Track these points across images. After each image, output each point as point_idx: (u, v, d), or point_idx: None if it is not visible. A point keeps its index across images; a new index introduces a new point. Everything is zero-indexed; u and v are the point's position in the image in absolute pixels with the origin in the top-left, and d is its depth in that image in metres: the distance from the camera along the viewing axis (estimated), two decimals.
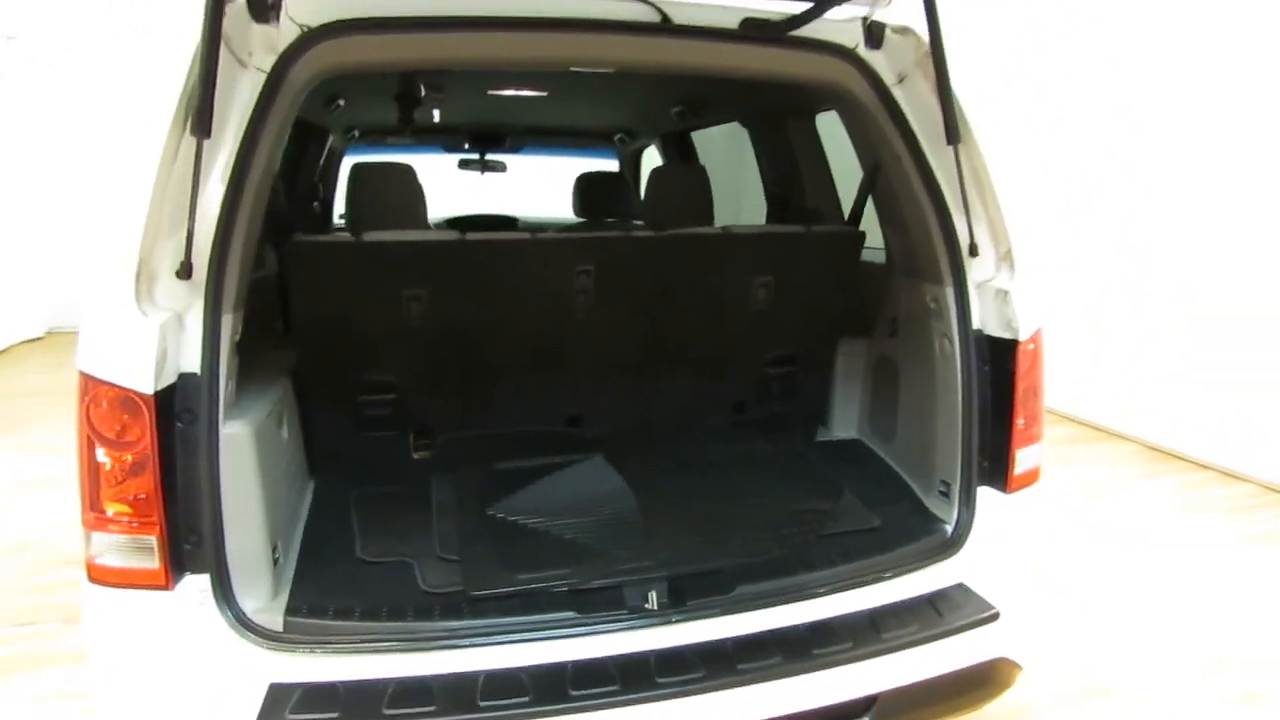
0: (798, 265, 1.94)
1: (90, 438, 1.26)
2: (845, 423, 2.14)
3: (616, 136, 3.94)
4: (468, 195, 4.05)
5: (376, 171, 2.08)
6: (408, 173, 2.03)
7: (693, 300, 1.92)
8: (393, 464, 1.86)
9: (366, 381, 1.78)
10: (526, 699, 1.24)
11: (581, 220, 3.11)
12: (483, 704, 1.23)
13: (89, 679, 1.38)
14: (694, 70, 1.74)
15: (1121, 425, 4.58)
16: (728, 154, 3.68)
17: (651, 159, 4.01)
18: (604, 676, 1.29)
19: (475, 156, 4.00)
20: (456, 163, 4.00)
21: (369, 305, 1.70)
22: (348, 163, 3.23)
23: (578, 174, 3.15)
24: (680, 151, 3.58)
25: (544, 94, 2.86)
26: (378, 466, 1.82)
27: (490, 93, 2.69)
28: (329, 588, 1.41)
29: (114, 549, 1.28)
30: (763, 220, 2.75)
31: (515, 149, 3.96)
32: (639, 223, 3.40)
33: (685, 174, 2.09)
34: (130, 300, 1.23)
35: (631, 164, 4.11)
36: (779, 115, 2.45)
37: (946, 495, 1.70)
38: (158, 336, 1.21)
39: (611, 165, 4.14)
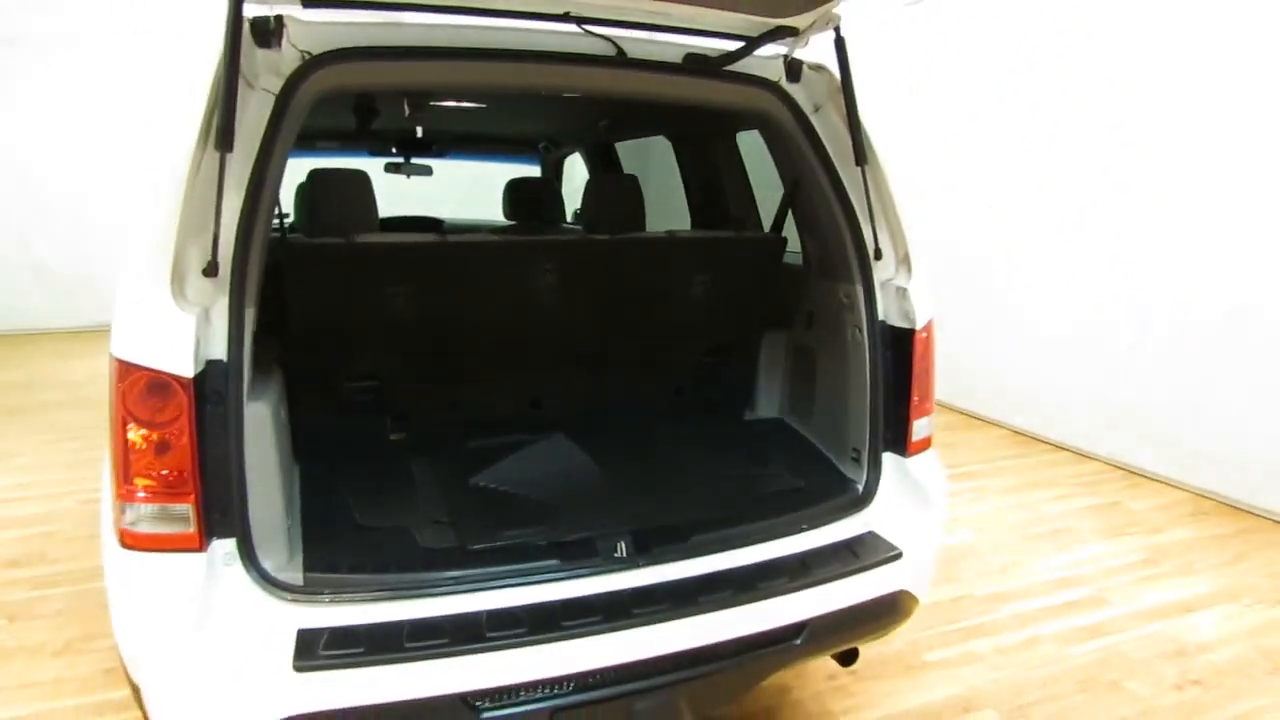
0: (730, 267, 2.23)
1: (126, 418, 1.41)
2: (769, 405, 2.44)
3: (541, 145, 4.15)
4: (394, 197, 4.18)
5: (336, 178, 2.24)
6: (364, 179, 2.20)
7: (639, 297, 2.18)
8: (372, 445, 2.03)
9: (350, 370, 1.95)
10: (524, 629, 1.47)
11: (511, 223, 3.31)
12: (489, 635, 1.45)
13: (121, 636, 1.53)
14: (643, 97, 2.01)
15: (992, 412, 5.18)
16: (638, 164, 3.95)
17: (573, 166, 4.25)
18: (587, 610, 1.54)
19: (401, 160, 4.13)
20: (383, 166, 4.12)
21: (356, 301, 1.88)
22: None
23: (508, 179, 3.35)
24: (605, 160, 3.83)
25: (479, 104, 3.05)
26: (358, 448, 1.99)
27: (432, 103, 2.86)
28: (338, 549, 1.59)
29: (150, 517, 1.43)
30: (680, 225, 3.03)
31: (441, 154, 4.12)
32: (575, 226, 3.63)
33: (621, 182, 2.34)
34: (168, 296, 1.39)
35: (554, 171, 4.33)
36: (704, 132, 2.74)
37: (857, 460, 2.02)
38: (195, 327, 1.37)
39: (533, 171, 4.35)
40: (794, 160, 2.02)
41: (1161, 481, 4.21)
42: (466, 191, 5.48)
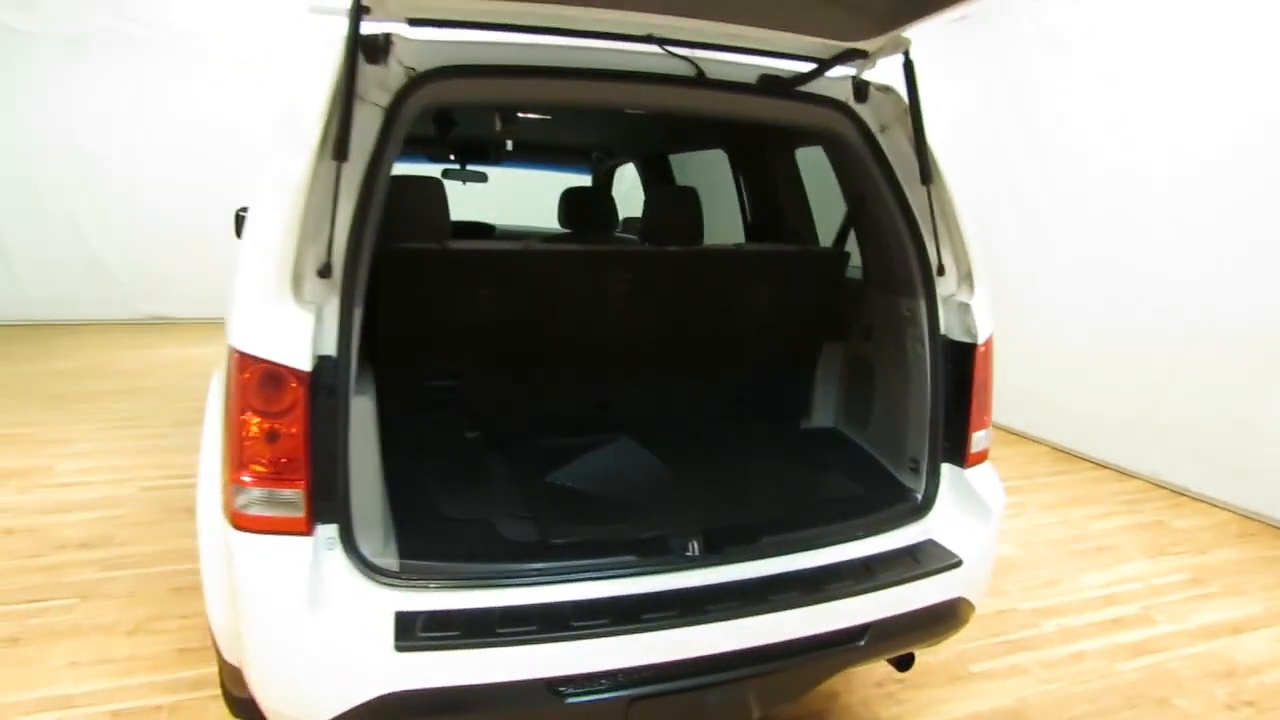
0: (794, 280, 2.30)
1: (244, 407, 1.50)
2: (824, 414, 2.50)
3: (593, 154, 4.25)
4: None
5: (415, 184, 2.34)
6: (439, 186, 2.30)
7: (706, 307, 2.25)
8: (449, 442, 2.12)
9: (432, 370, 2.04)
10: (606, 620, 1.55)
11: (565, 231, 3.41)
12: (573, 624, 1.53)
13: (220, 614, 1.62)
14: (719, 115, 2.08)
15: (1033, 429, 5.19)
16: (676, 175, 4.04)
17: (623, 176, 4.34)
18: (664, 604, 1.61)
19: (458, 167, 4.25)
20: (440, 172, 4.24)
21: (444, 304, 1.97)
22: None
23: (564, 188, 3.45)
24: (659, 172, 3.92)
25: (545, 116, 3.15)
26: (436, 444, 2.08)
27: (511, 116, 2.96)
28: (428, 539, 1.67)
29: (261, 501, 1.52)
30: (722, 236, 3.11)
31: (497, 162, 4.23)
32: (626, 235, 3.72)
33: (683, 195, 2.42)
34: (289, 295, 1.48)
35: (604, 180, 4.42)
36: (764, 148, 2.81)
37: (915, 470, 2.07)
38: (312, 324, 1.47)
39: (583, 180, 4.45)
40: (860, 178, 2.09)
41: (1206, 501, 4.20)
42: (507, 197, 5.62)
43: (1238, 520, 4.03)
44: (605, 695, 1.55)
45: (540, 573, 1.62)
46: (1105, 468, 4.73)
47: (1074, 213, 4.84)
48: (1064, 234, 4.92)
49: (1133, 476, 4.57)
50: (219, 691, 2.37)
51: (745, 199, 3.02)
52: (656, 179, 3.92)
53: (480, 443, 2.14)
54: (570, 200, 3.36)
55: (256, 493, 1.52)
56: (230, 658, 1.80)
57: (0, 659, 2.53)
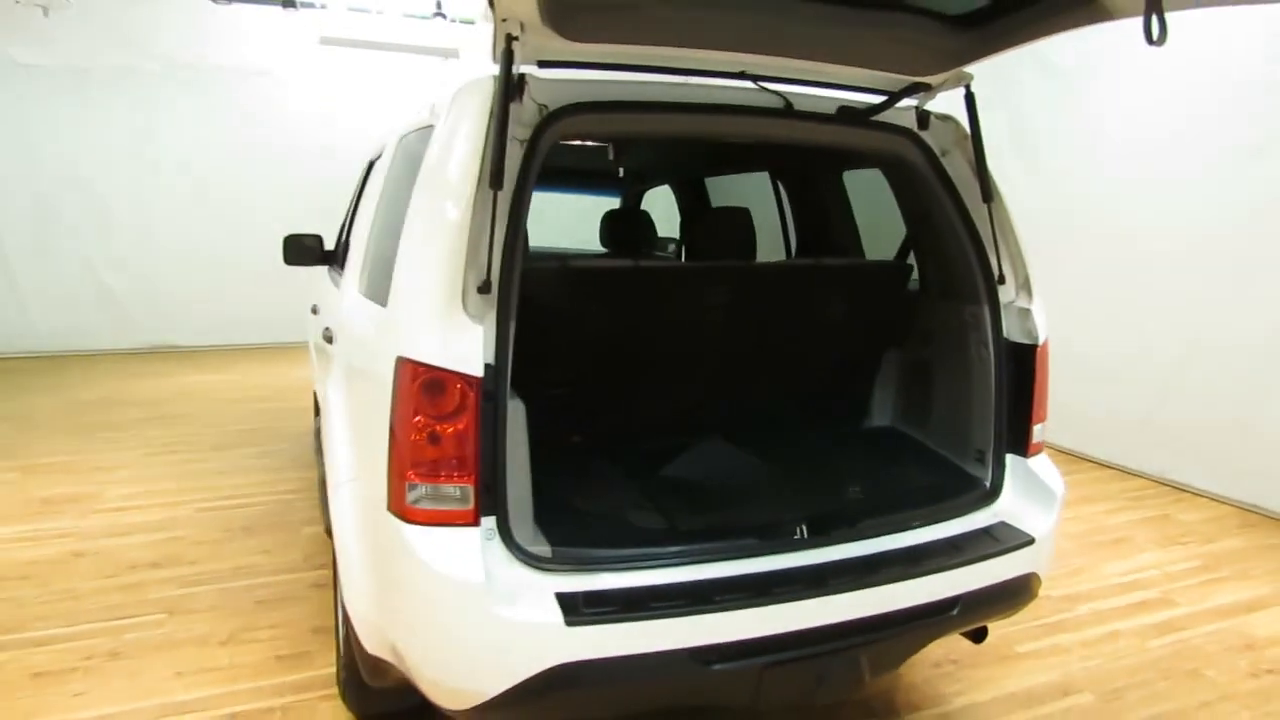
0: (864, 291, 2.52)
1: (418, 410, 1.68)
2: (881, 414, 2.72)
3: (626, 178, 4.47)
4: None
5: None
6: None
7: (786, 317, 2.46)
8: (557, 445, 2.29)
9: (546, 377, 2.22)
10: (742, 595, 1.73)
11: (605, 250, 3.61)
12: (714, 599, 1.71)
13: (371, 603, 1.77)
14: (803, 143, 2.30)
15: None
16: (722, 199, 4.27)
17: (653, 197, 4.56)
18: (789, 580, 1.80)
19: None
20: None
21: (561, 317, 2.15)
22: None
23: (604, 210, 3.66)
24: (695, 194, 4.14)
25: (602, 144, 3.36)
26: (545, 447, 2.25)
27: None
28: (569, 529, 1.84)
29: (433, 496, 1.69)
30: (774, 255, 3.33)
31: (540, 187, 4.42)
32: (663, 254, 3.92)
33: (737, 215, 2.63)
34: (460, 309, 1.66)
35: (635, 202, 4.64)
36: (813, 171, 3.05)
37: (981, 460, 2.29)
38: (483, 335, 1.65)
39: (612, 203, 4.67)
40: (925, 197, 2.31)
41: (1206, 497, 4.48)
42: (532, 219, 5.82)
43: (1237, 513, 4.30)
44: (743, 662, 1.73)
45: (676, 555, 1.80)
46: (1109, 467, 5.00)
47: (1075, 222, 5.13)
48: (1066, 246, 5.20)
49: (1135, 475, 4.84)
50: (328, 692, 2.53)
51: (791, 218, 3.25)
52: (693, 200, 4.15)
53: (585, 446, 2.32)
54: (612, 221, 3.58)
55: (429, 489, 1.69)
56: (375, 650, 1.95)
57: (107, 671, 2.64)
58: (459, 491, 1.69)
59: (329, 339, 2.72)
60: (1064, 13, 1.86)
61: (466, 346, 1.65)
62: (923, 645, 2.03)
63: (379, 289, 2.11)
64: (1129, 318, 4.88)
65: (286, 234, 4.14)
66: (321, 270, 4.26)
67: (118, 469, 4.65)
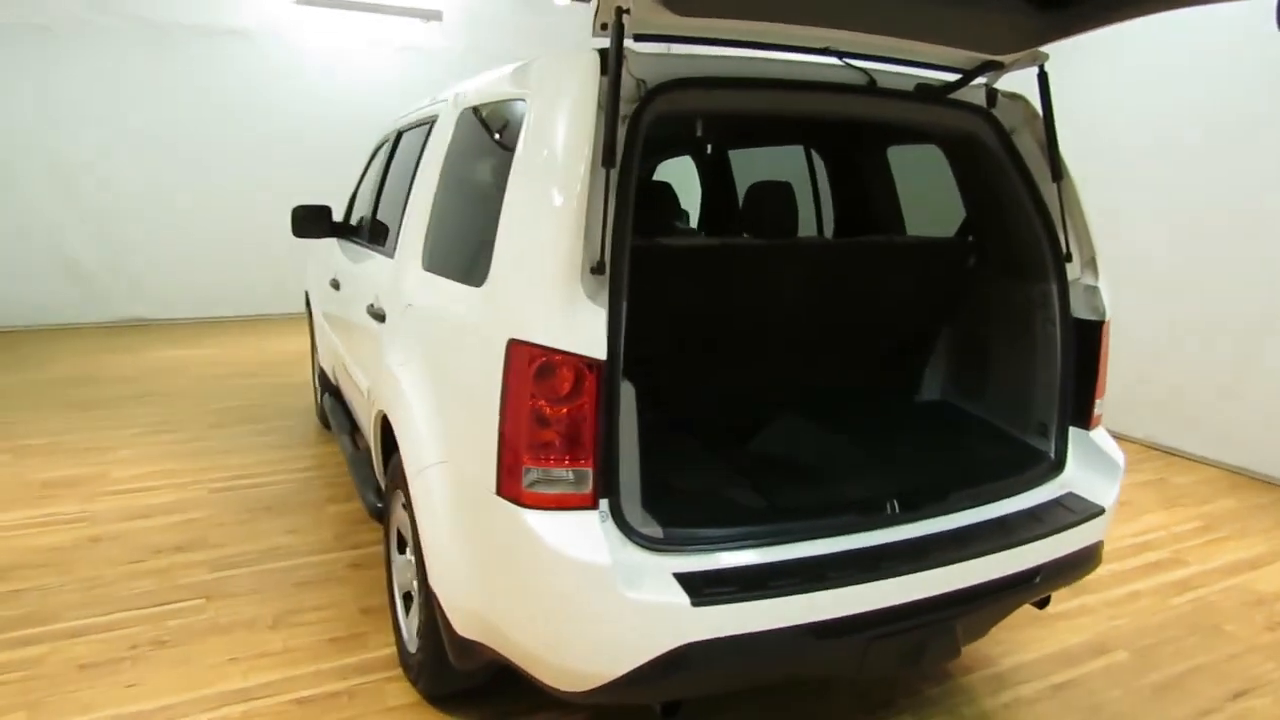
0: (929, 267, 2.55)
1: (537, 394, 1.65)
2: (932, 388, 2.77)
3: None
4: None
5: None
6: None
7: (855, 293, 2.48)
8: (642, 423, 2.29)
9: (636, 355, 2.20)
10: (853, 570, 1.76)
11: None
12: (828, 576, 1.74)
13: (543, 576, 1.76)
14: (883, 120, 2.30)
15: None
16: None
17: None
18: (892, 555, 1.83)
19: None
20: None
21: (650, 294, 2.13)
22: None
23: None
24: (718, 168, 4.12)
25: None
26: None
27: None
28: (672, 508, 1.85)
29: (550, 480, 1.68)
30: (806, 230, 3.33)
31: None
32: (687, 227, 3.89)
33: (780, 190, 2.63)
34: (580, 292, 1.64)
35: (647, 174, 4.59)
36: (856, 147, 3.05)
37: (1044, 433, 2.35)
38: (604, 317, 1.63)
39: None
40: (993, 175, 2.33)
41: (1196, 460, 4.68)
42: None
43: (1226, 475, 4.50)
44: (853, 637, 1.76)
45: (783, 533, 1.83)
46: None
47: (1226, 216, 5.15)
48: None
49: (1129, 441, 5.02)
50: (391, 673, 2.51)
51: (831, 193, 3.25)
52: (715, 175, 4.12)
53: (665, 424, 2.31)
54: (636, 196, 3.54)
55: (546, 472, 1.67)
56: (467, 633, 1.95)
57: (156, 660, 2.58)
58: (577, 475, 1.68)
59: (377, 316, 2.65)
60: None
61: (588, 329, 1.63)
62: (1008, 613, 2.10)
63: (461, 267, 2.07)
64: (1124, 296, 5.02)
65: (296, 205, 4.02)
66: (329, 243, 4.15)
67: (114, 449, 4.50)
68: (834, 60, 2.12)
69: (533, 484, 1.68)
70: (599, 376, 1.65)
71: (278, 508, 3.76)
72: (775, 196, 2.76)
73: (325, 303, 4.02)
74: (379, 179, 3.36)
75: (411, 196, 2.54)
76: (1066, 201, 2.27)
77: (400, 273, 2.48)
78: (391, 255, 2.63)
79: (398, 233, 2.60)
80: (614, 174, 1.70)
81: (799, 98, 2.04)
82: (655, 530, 1.76)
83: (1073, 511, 2.12)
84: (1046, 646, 2.82)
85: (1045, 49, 2.17)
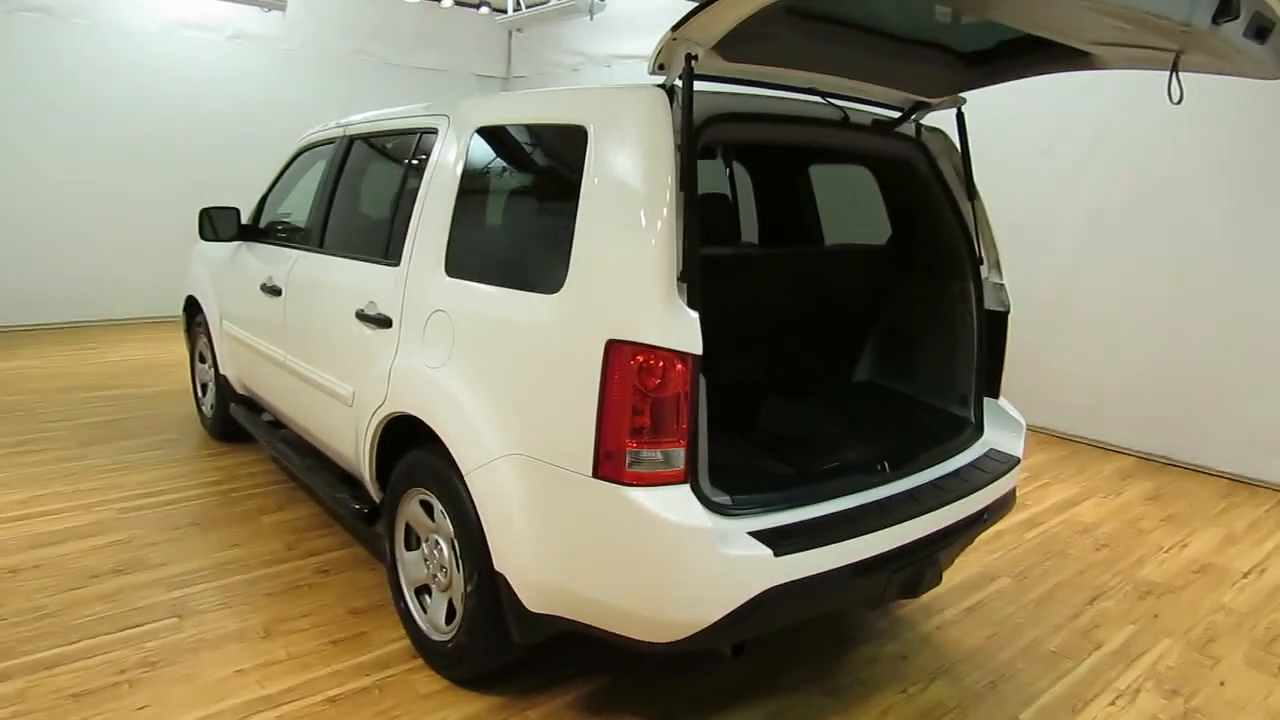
0: (868, 270, 3.03)
1: (638, 386, 1.91)
2: (862, 371, 3.28)
3: None
4: None
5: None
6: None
7: (813, 291, 2.91)
8: None
9: None
10: (877, 517, 2.18)
11: None
12: (861, 524, 2.14)
13: (636, 541, 1.99)
14: (848, 149, 2.74)
15: None
16: None
17: None
18: (899, 504, 2.28)
19: None
20: None
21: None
22: None
23: None
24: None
25: None
26: None
27: None
28: (727, 478, 2.16)
29: (650, 461, 1.94)
30: None
31: None
32: None
33: (719, 201, 3.00)
34: (677, 298, 1.91)
35: None
36: (781, 166, 3.50)
37: (964, 404, 2.91)
38: (698, 318, 1.92)
39: None
40: (921, 193, 2.84)
41: None
42: None
43: (1034, 435, 5.50)
44: (882, 571, 2.18)
45: (820, 493, 2.21)
46: None
47: (1030, 219, 5.63)
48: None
49: None
50: (412, 665, 2.64)
51: (761, 206, 3.67)
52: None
53: None
54: None
55: (648, 454, 1.94)
56: (541, 608, 2.16)
57: (156, 680, 2.50)
58: (674, 455, 1.96)
59: (377, 321, 2.72)
60: (1057, 60, 2.45)
61: (686, 329, 1.91)
62: (966, 547, 2.62)
63: (515, 276, 2.25)
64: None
65: (203, 207, 3.88)
66: (233, 247, 4.02)
67: None
68: (814, 98, 2.53)
69: (634, 464, 1.94)
70: (692, 369, 1.94)
71: (206, 523, 3.61)
72: (717, 208, 3.15)
73: (246, 309, 3.88)
74: (329, 185, 3.35)
75: (419, 207, 2.64)
76: (979, 216, 2.83)
77: (415, 280, 2.59)
78: (394, 262, 2.71)
79: (401, 241, 2.69)
80: (686, 195, 1.99)
81: (798, 130, 2.43)
82: (724, 498, 2.07)
83: (1001, 463, 2.68)
84: (950, 580, 3.42)
85: (964, 95, 2.71)
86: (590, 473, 1.98)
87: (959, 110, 2.75)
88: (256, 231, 3.96)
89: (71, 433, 4.70)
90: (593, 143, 2.10)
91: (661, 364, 1.92)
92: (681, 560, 1.92)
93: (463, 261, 2.45)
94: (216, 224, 3.86)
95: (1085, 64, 2.43)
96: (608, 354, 1.94)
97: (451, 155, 2.59)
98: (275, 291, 3.49)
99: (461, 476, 2.31)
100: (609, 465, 1.95)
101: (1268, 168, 4.56)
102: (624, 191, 2.00)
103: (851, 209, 3.47)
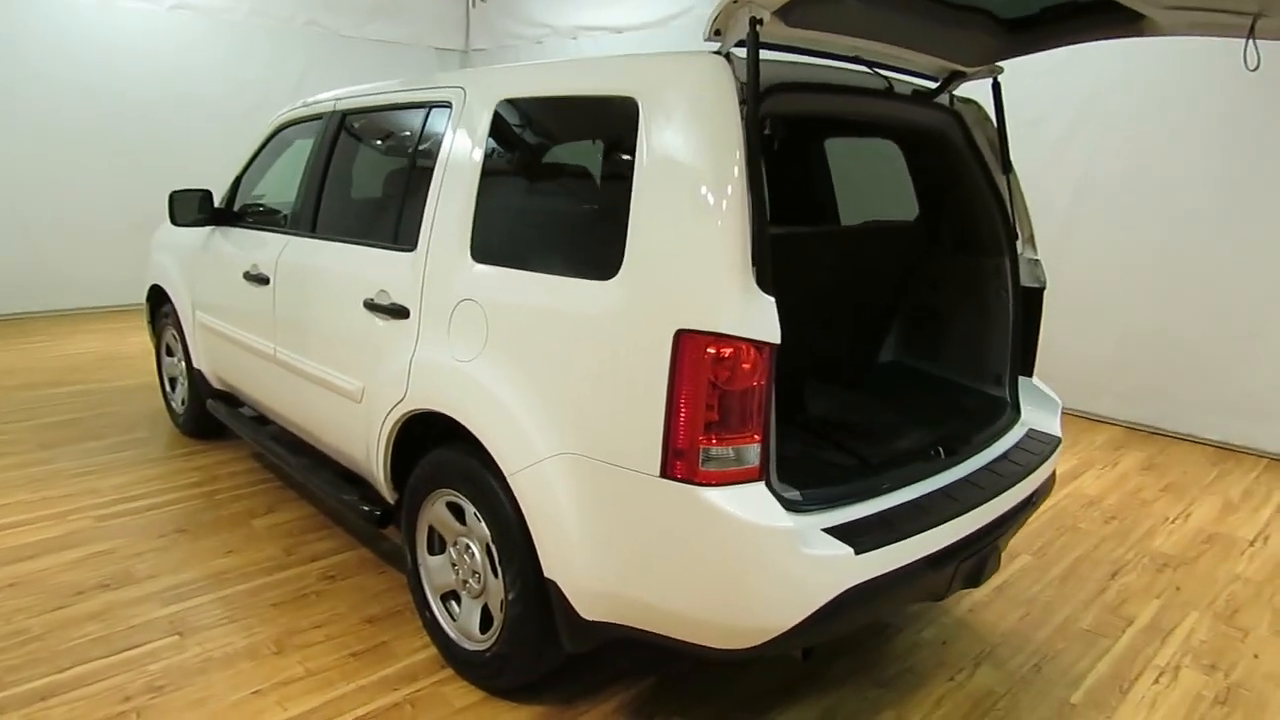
0: (900, 247, 2.93)
1: (714, 379, 1.77)
2: (887, 351, 3.19)
3: None
4: None
5: None
6: None
7: (845, 272, 2.80)
8: None
9: None
10: (944, 507, 2.09)
11: None
12: (931, 514, 2.05)
13: (711, 545, 1.86)
14: (888, 121, 2.61)
15: None
16: None
17: None
18: (962, 492, 2.19)
19: None
20: None
21: None
22: None
23: None
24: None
25: None
26: None
27: None
28: (792, 472, 2.05)
29: (725, 459, 1.81)
30: None
31: None
32: None
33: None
34: (752, 283, 1.77)
35: None
36: (813, 137, 3.37)
37: (999, 383, 2.84)
38: (773, 304, 1.79)
39: None
40: (956, 166, 2.74)
41: None
42: None
43: None
44: (951, 562, 2.10)
45: (885, 484, 2.11)
46: None
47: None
48: None
49: None
50: (442, 676, 2.49)
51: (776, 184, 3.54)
52: None
53: None
54: None
55: (723, 451, 1.81)
56: (597, 616, 2.03)
57: (166, 707, 2.31)
58: (749, 451, 1.83)
59: (391, 311, 2.53)
60: (1106, 26, 2.36)
61: (764, 316, 1.77)
62: (1017, 531, 2.56)
63: (558, 262, 2.09)
64: None
65: (172, 190, 3.61)
66: (209, 233, 3.76)
67: None
68: (851, 66, 2.40)
69: (708, 462, 1.81)
70: (769, 359, 1.81)
71: (193, 529, 3.38)
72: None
73: (225, 299, 3.62)
74: (319, 165, 3.11)
75: (435, 189, 2.44)
76: (1014, 190, 2.75)
77: (436, 267, 2.40)
78: (407, 248, 2.51)
79: (415, 225, 2.49)
80: (752, 171, 1.84)
81: (848, 101, 2.30)
82: (794, 494, 1.96)
83: (1045, 444, 2.62)
84: None
85: (1001, 65, 2.61)
86: (657, 473, 1.85)
87: (995, 80, 2.65)
88: (232, 215, 3.69)
89: (31, 434, 4.37)
90: (645, 115, 1.94)
91: (738, 355, 1.79)
92: (762, 563, 1.80)
93: (492, 247, 2.27)
94: (188, 208, 3.58)
95: (1137, 29, 2.34)
96: (678, 345, 1.80)
97: (471, 131, 2.40)
98: (261, 280, 3.25)
99: (503, 478, 2.15)
100: (680, 465, 1.82)
101: (1255, 139, 4.60)
102: (686, 168, 1.85)
103: (868, 185, 3.37)
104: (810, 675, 2.55)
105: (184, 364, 4.19)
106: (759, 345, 1.79)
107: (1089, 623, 2.94)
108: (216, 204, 3.73)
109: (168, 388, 4.55)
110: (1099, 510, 3.95)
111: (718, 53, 1.94)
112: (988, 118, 2.75)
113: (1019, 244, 2.80)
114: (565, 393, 2.03)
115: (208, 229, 3.79)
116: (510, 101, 2.34)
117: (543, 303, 2.09)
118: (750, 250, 1.79)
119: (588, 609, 2.05)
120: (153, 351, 4.71)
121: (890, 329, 3.14)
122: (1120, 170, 5.10)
